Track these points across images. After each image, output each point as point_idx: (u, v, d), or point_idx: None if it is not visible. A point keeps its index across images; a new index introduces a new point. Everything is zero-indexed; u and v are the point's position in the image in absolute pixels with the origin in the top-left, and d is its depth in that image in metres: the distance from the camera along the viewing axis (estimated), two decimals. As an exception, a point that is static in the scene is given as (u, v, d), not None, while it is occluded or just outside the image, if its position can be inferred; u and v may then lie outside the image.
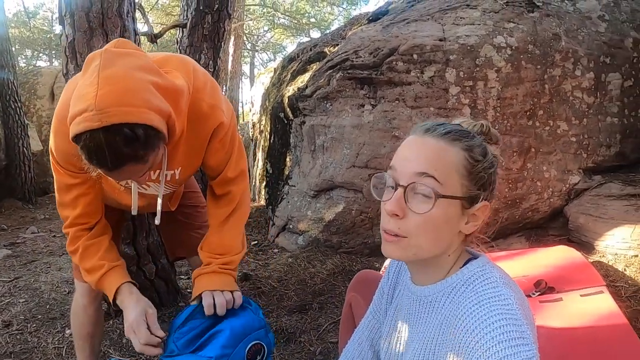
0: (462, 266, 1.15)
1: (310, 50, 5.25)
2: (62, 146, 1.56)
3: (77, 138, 1.27)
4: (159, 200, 1.74)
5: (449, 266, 1.16)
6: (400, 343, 1.26)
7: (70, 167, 1.61)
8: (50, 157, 1.66)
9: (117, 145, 1.27)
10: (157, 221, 1.77)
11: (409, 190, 1.08)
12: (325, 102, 4.01)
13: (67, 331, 2.88)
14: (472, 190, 1.10)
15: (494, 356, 0.93)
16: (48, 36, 23.99)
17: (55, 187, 1.74)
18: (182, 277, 3.69)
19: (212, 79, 1.76)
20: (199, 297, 1.69)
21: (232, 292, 1.72)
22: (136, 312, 1.65)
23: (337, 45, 4.60)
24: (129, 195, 1.84)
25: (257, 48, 25.50)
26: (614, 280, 3.05)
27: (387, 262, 3.07)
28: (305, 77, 4.44)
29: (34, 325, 3.04)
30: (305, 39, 21.80)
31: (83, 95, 1.27)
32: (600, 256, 3.46)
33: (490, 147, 1.16)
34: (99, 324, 2.21)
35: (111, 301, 1.78)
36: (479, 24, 3.94)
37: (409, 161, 1.10)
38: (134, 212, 1.79)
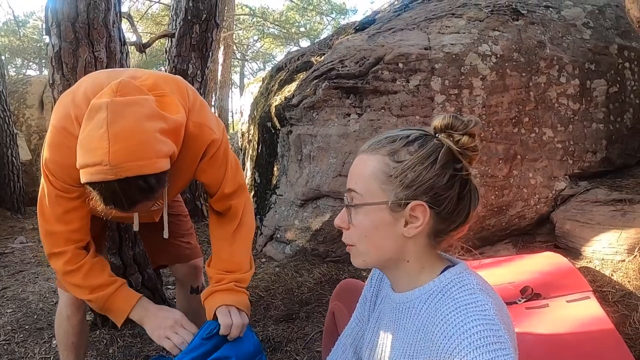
0: (440, 273, 1.15)
1: (298, 59, 5.26)
2: (60, 157, 1.57)
3: (90, 184, 1.36)
4: (135, 214, 1.80)
5: (416, 272, 1.17)
6: (381, 350, 1.26)
7: (67, 179, 1.60)
8: (43, 171, 1.65)
9: (132, 193, 1.37)
10: (135, 227, 1.84)
11: (346, 204, 1.18)
12: (311, 111, 4.01)
13: (54, 341, 2.86)
14: (398, 192, 1.09)
15: None
16: (38, 45, 24.01)
17: (42, 201, 1.69)
18: (170, 287, 3.67)
19: (201, 98, 1.78)
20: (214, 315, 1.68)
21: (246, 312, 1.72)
22: (178, 314, 1.73)
23: (324, 54, 4.61)
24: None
25: (246, 57, 25.53)
26: (601, 286, 3.06)
27: (373, 272, 3.08)
28: (292, 86, 4.45)
29: (21, 335, 3.04)
30: (295, 49, 21.86)
31: (95, 149, 1.33)
32: (587, 262, 3.47)
33: (452, 143, 1.10)
34: (83, 334, 2.22)
35: (124, 318, 1.77)
36: (464, 33, 3.96)
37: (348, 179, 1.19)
38: (136, 228, 1.86)
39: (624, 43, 4.20)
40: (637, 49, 4.23)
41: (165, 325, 1.67)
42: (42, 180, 1.68)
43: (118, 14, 2.90)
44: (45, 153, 1.62)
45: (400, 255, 1.16)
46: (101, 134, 1.32)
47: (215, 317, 1.65)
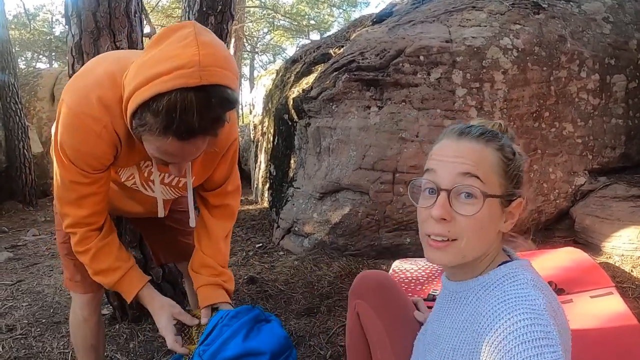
0: (497, 267, 1.15)
1: (314, 51, 5.24)
2: (80, 144, 1.49)
3: (157, 98, 1.24)
4: (160, 201, 1.78)
5: (485, 265, 1.16)
6: (430, 335, 1.27)
7: (84, 166, 1.54)
8: (57, 153, 1.56)
9: (206, 106, 1.25)
10: (160, 214, 1.81)
11: (453, 192, 1.09)
12: (330, 103, 4.00)
13: (70, 332, 2.87)
14: (509, 188, 1.12)
15: (517, 356, 0.92)
16: (48, 38, 23.98)
17: (57, 182, 1.64)
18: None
19: None
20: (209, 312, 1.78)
21: None
22: (164, 319, 1.72)
23: (342, 46, 4.59)
24: (127, 199, 1.86)
25: (256, 50, 25.46)
26: (621, 281, 3.04)
27: (394, 265, 3.06)
28: (310, 78, 4.43)
29: (38, 329, 3.02)
30: (305, 41, 21.80)
31: (177, 55, 1.24)
32: (606, 257, 3.46)
33: (514, 145, 1.18)
34: (101, 334, 2.17)
35: (129, 302, 1.81)
36: (485, 26, 3.93)
37: (450, 164, 1.11)
38: (161, 214, 1.81)
39: (644, 38, 4.17)
40: (657, 45, 4.19)
41: (160, 326, 1.75)
42: (56, 164, 1.60)
43: (139, 3, 2.84)
44: (60, 136, 1.51)
45: (488, 250, 1.15)
46: (187, 42, 1.25)
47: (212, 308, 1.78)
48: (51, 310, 3.30)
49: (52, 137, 1.62)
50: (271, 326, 1.68)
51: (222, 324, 1.62)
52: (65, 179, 1.59)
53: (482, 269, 1.16)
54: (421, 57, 3.79)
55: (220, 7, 5.40)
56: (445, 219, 1.09)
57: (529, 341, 0.92)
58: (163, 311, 1.75)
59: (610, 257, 3.45)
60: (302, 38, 23.77)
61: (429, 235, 1.13)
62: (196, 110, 1.23)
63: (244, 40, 18.06)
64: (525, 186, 1.17)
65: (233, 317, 1.64)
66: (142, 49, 2.80)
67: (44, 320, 3.14)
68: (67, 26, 2.70)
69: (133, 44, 2.74)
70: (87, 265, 1.75)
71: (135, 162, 1.66)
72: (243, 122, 14.51)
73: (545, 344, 0.92)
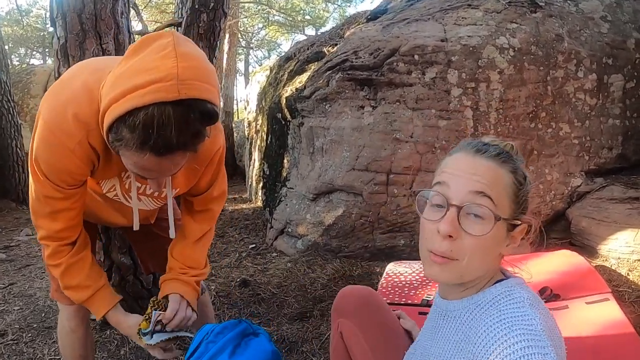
0: (492, 285, 1.12)
1: (308, 49, 5.19)
2: (54, 159, 1.46)
3: (134, 112, 1.19)
4: (135, 211, 1.75)
5: (482, 284, 1.13)
6: (421, 354, 1.24)
7: (58, 182, 1.51)
8: (32, 166, 1.53)
9: (185, 122, 1.21)
10: (135, 227, 1.78)
11: (463, 210, 1.05)
12: (324, 103, 3.95)
13: (58, 343, 2.83)
14: (517, 212, 1.09)
15: None
16: (41, 34, 23.83)
17: (31, 194, 1.61)
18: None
19: None
20: (166, 299, 1.80)
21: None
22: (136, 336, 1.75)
23: (336, 44, 4.54)
24: (110, 210, 1.84)
25: (251, 45, 25.37)
26: (617, 285, 3.01)
27: (388, 268, 3.02)
28: (303, 77, 4.38)
29: (30, 334, 2.97)
30: (300, 37, 21.74)
31: (155, 67, 1.19)
32: (603, 260, 3.43)
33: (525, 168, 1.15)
34: (90, 343, 2.14)
35: (97, 319, 1.84)
36: (481, 25, 3.89)
37: (463, 179, 1.08)
38: (136, 227, 1.77)
39: (642, 37, 4.12)
40: (655, 44, 4.15)
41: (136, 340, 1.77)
42: (31, 175, 1.57)
43: (126, 4, 2.78)
44: (36, 150, 1.48)
45: (487, 271, 1.12)
46: (165, 54, 1.20)
47: (164, 299, 1.81)
48: (43, 315, 3.25)
49: (29, 147, 1.58)
50: (259, 341, 1.64)
51: (208, 340, 1.59)
52: (40, 193, 1.56)
53: (479, 288, 1.13)
54: (416, 57, 3.73)
55: (212, 4, 5.34)
56: (451, 236, 1.05)
57: None
58: (131, 331, 1.77)
59: (606, 260, 3.42)
60: (297, 33, 23.73)
61: (431, 251, 1.09)
62: (174, 125, 1.19)
63: (239, 36, 17.99)
64: (529, 212, 1.14)
65: (219, 333, 1.60)
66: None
67: (35, 325, 3.10)
68: (52, 28, 2.65)
69: (120, 46, 2.68)
70: (57, 278, 1.74)
71: (116, 173, 1.63)
72: (238, 117, 14.47)
73: None
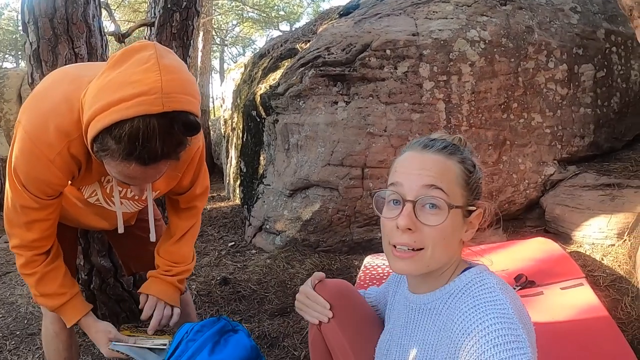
0: (460, 274, 1.18)
1: (281, 46, 5.19)
2: (34, 170, 1.48)
3: (119, 124, 1.22)
4: (119, 213, 1.77)
5: (448, 274, 1.19)
6: (398, 351, 1.27)
7: (36, 192, 1.52)
8: (10, 176, 1.54)
9: (169, 133, 1.25)
10: (120, 229, 1.81)
11: (418, 204, 1.12)
12: (298, 100, 3.96)
13: (43, 347, 2.79)
14: (470, 199, 1.16)
15: (491, 358, 0.96)
16: (14, 37, 23.50)
17: (7, 203, 1.62)
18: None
19: None
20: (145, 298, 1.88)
21: (172, 308, 1.90)
22: (103, 344, 1.79)
23: (309, 41, 4.54)
24: (92, 215, 1.85)
25: (226, 42, 25.25)
26: (591, 270, 3.06)
27: (366, 260, 3.04)
28: (277, 74, 4.38)
29: (13, 342, 2.94)
30: (275, 32, 21.65)
31: (139, 80, 1.22)
32: (577, 246, 3.48)
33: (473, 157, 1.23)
34: (74, 347, 2.15)
35: (68, 326, 1.86)
36: (452, 18, 3.92)
37: (414, 176, 1.14)
38: (121, 230, 1.81)
39: (611, 27, 4.19)
40: (623, 34, 4.22)
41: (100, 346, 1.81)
42: (8, 184, 1.58)
43: (98, 7, 2.76)
44: (15, 161, 1.50)
45: (450, 259, 1.18)
46: (149, 66, 1.23)
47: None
48: (25, 322, 3.21)
49: (8, 156, 1.58)
50: (238, 337, 1.66)
51: (187, 339, 1.61)
52: (17, 202, 1.57)
53: (446, 278, 1.19)
54: (387, 51, 3.75)
55: (185, 3, 5.30)
56: (410, 229, 1.11)
57: (501, 344, 0.97)
58: (98, 336, 1.81)
59: (580, 246, 3.47)
60: (272, 29, 23.68)
61: (395, 246, 1.15)
62: (159, 136, 1.23)
63: (213, 33, 17.89)
64: (483, 197, 1.21)
65: (198, 332, 1.62)
66: (102, 54, 2.74)
67: (18, 333, 3.06)
68: (24, 33, 2.63)
69: (92, 49, 2.68)
70: (31, 286, 1.76)
71: (96, 179, 1.66)
72: (214, 115, 14.38)
73: (516, 347, 0.97)
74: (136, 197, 1.78)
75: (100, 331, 1.80)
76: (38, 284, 1.72)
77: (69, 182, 1.57)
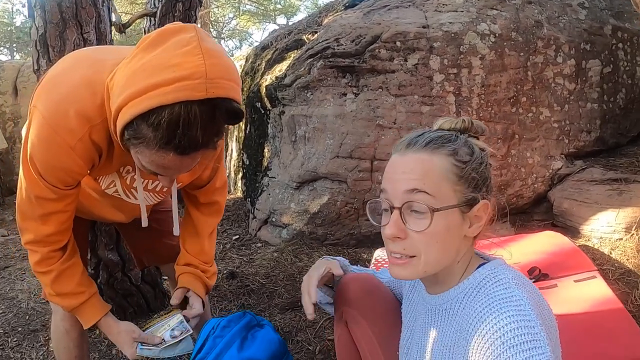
0: (474, 270, 1.13)
1: (286, 37, 5.15)
2: (53, 158, 1.40)
3: (157, 110, 1.14)
4: (143, 206, 1.71)
5: (460, 272, 1.15)
6: (418, 351, 1.25)
7: (55, 181, 1.45)
8: (25, 164, 1.47)
9: (210, 120, 1.18)
10: (144, 223, 1.74)
11: (404, 209, 1.08)
12: (305, 91, 3.93)
13: (52, 345, 2.75)
14: (467, 193, 1.09)
15: None
16: (9, 29, 23.27)
17: (20, 194, 1.55)
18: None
19: None
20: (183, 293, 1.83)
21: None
22: (127, 346, 1.72)
23: (315, 32, 4.52)
24: (107, 207, 1.79)
25: (222, 36, 25.14)
26: (600, 264, 3.07)
27: (376, 254, 3.03)
28: (283, 65, 4.35)
29: (15, 339, 2.89)
30: (272, 26, 21.58)
31: (179, 64, 1.14)
32: (585, 240, 3.49)
33: (477, 141, 1.16)
34: (85, 344, 2.10)
35: (85, 328, 1.79)
36: (462, 11, 3.91)
37: (397, 181, 1.10)
38: (144, 223, 1.73)
39: (618, 24, 4.20)
40: (630, 30, 4.23)
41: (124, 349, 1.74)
42: (22, 174, 1.51)
43: (107, -8, 2.70)
44: (31, 148, 1.42)
45: (455, 258, 1.13)
46: (190, 49, 1.15)
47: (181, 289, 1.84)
48: (27, 318, 3.15)
49: (22, 143, 1.51)
50: (265, 332, 1.66)
51: (214, 335, 1.59)
52: (31, 193, 1.50)
53: (458, 276, 1.15)
54: (397, 43, 3.74)
55: (187, -8, 5.26)
56: (399, 237, 1.08)
57: (516, 345, 0.92)
58: (120, 337, 1.73)
59: (589, 240, 3.48)
60: (269, 23, 23.59)
61: (392, 253, 1.13)
62: (200, 124, 1.16)
63: (210, 26, 17.82)
64: (490, 184, 1.15)
65: (225, 327, 1.61)
66: (111, 40, 2.69)
67: (20, 329, 3.01)
68: (30, 18, 2.56)
69: (102, 35, 2.62)
70: (46, 285, 1.69)
71: (116, 169, 1.59)
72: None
73: (533, 347, 0.92)
74: (157, 189, 1.73)
75: (123, 332, 1.73)
76: (54, 283, 1.65)
77: (88, 171, 1.51)
